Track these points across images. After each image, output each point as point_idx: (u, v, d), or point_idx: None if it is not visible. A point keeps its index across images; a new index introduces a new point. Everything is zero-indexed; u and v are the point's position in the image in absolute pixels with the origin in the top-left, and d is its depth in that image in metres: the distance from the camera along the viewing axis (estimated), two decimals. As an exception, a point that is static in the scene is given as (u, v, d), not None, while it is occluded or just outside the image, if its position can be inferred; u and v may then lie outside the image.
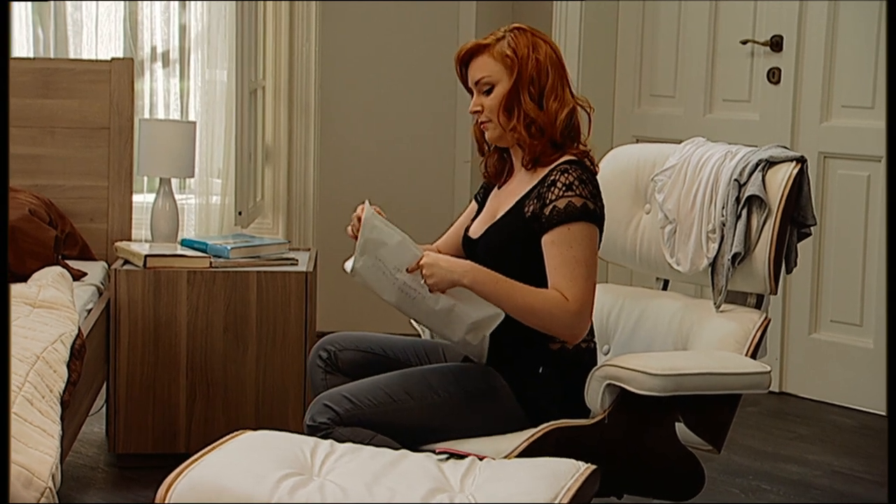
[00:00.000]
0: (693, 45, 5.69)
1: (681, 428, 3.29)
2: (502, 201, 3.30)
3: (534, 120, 3.16)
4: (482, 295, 3.04)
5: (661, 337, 3.56)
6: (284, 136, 5.94)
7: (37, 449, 2.63)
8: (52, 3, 5.62)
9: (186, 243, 4.47)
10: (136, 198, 5.07)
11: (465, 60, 3.24)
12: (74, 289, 4.09)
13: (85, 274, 4.35)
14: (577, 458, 2.82)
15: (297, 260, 4.43)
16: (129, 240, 4.72)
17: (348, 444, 2.81)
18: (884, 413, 5.10)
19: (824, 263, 5.31)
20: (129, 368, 4.26)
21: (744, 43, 5.45)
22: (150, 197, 5.52)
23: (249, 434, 2.81)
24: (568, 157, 3.18)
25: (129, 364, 4.26)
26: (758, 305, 3.52)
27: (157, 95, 5.79)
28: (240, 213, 5.34)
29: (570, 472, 2.65)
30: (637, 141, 5.71)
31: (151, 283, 4.23)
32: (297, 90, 5.92)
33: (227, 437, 2.80)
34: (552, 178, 3.12)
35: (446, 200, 6.24)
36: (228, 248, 4.33)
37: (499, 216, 3.26)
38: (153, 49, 5.75)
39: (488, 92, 3.20)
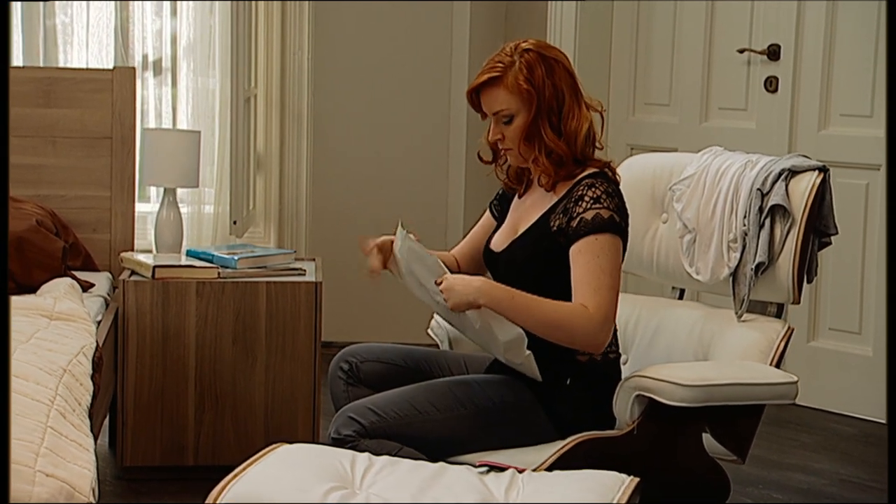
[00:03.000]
0: (688, 54, 5.69)
1: (705, 438, 3.29)
2: (524, 214, 3.28)
3: (554, 150, 3.14)
4: (501, 312, 3.00)
5: (680, 347, 3.55)
6: (276, 145, 5.91)
7: (75, 463, 2.59)
8: (41, 12, 5.56)
9: (192, 254, 4.43)
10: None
11: (477, 91, 3.19)
12: (84, 300, 4.04)
13: (92, 285, 4.31)
14: (607, 470, 2.80)
15: (304, 270, 4.40)
16: (132, 250, 4.67)
17: (385, 458, 2.79)
18: (883, 421, 5.12)
19: (823, 271, 5.24)
20: (136, 380, 4.22)
21: (741, 52, 5.46)
22: (143, 206, 5.50)
23: (286, 447, 2.78)
24: (591, 171, 3.17)
25: (137, 376, 4.21)
26: (778, 315, 3.52)
27: (149, 104, 5.75)
28: (234, 223, 5.31)
29: (616, 484, 2.64)
30: (632, 149, 5.71)
31: (160, 294, 4.19)
32: (289, 98, 5.89)
33: (264, 450, 2.76)
34: (579, 192, 3.10)
35: (440, 208, 6.23)
36: (235, 258, 4.29)
37: (522, 230, 3.24)
38: (144, 57, 5.71)
39: (507, 122, 3.17)
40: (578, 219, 3.07)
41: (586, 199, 3.08)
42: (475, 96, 3.20)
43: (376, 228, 6.07)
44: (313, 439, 4.25)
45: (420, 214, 6.18)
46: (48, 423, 2.71)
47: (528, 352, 3.03)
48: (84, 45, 5.62)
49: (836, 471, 4.58)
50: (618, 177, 3.23)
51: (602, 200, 3.08)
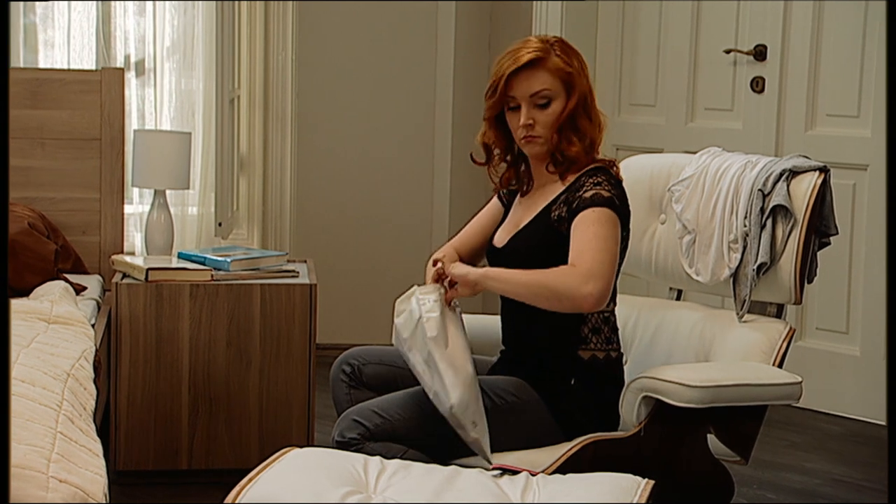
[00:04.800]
0: (674, 54, 5.70)
1: (709, 438, 3.29)
2: (526, 210, 3.29)
3: (588, 136, 3.18)
4: (490, 283, 3.07)
5: (681, 348, 3.55)
6: (260, 146, 5.88)
7: (87, 469, 2.56)
8: (20, 11, 5.51)
9: (183, 256, 4.40)
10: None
11: (515, 73, 3.15)
12: (78, 303, 4.01)
13: (85, 288, 4.27)
14: (614, 472, 2.80)
15: (297, 272, 4.38)
16: (122, 252, 4.64)
17: (397, 461, 2.77)
18: (871, 420, 5.15)
19: (810, 271, 5.32)
20: (130, 383, 4.18)
21: (727, 52, 5.47)
22: (126, 208, 5.45)
23: (297, 451, 2.76)
24: (595, 165, 3.19)
25: (131, 379, 4.18)
26: (778, 315, 3.52)
27: (132, 105, 5.69)
28: (220, 225, 5.27)
29: (633, 487, 2.63)
30: (618, 150, 5.71)
31: (153, 297, 4.15)
32: (272, 99, 5.86)
33: (276, 455, 2.74)
34: (581, 181, 3.15)
35: (425, 209, 6.21)
36: (228, 260, 4.26)
37: (524, 224, 3.24)
38: (126, 58, 5.67)
39: (543, 106, 3.16)
40: (578, 199, 3.10)
41: (587, 185, 3.12)
42: (509, 81, 3.16)
43: (361, 230, 6.13)
44: (308, 442, 4.23)
45: (405, 215, 6.18)
46: (58, 428, 2.68)
47: (477, 423, 2.99)
48: (65, 45, 5.57)
49: (828, 471, 4.58)
50: (620, 175, 3.23)
51: (603, 185, 3.12)
